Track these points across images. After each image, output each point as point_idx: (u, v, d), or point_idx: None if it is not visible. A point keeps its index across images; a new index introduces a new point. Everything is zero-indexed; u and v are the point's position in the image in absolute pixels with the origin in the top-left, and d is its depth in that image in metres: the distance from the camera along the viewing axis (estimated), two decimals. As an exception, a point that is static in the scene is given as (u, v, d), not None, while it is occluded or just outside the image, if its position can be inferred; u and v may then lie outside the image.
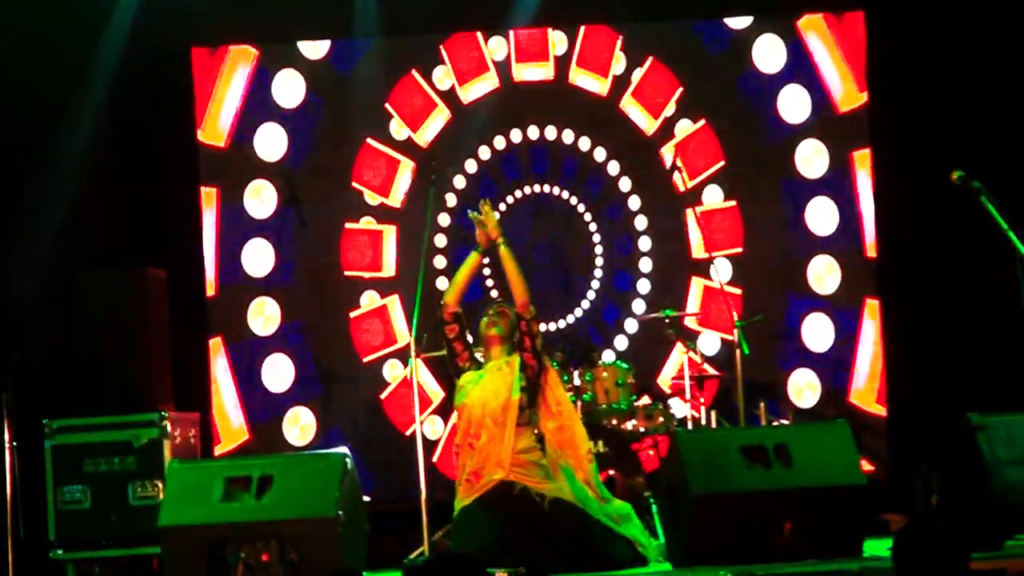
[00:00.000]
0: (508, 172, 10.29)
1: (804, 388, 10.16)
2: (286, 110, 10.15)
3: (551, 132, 10.28)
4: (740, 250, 10.21)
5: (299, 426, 10.04)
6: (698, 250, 10.13)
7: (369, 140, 10.25)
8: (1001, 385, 9.28)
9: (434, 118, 10.30)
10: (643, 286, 10.26)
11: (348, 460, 7.09)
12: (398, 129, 10.23)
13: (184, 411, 8.89)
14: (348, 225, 10.24)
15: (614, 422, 8.93)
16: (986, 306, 9.65)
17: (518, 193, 10.28)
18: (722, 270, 9.87)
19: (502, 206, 10.20)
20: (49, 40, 9.62)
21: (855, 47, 10.23)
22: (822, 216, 10.24)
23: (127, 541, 8.38)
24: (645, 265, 10.28)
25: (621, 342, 10.20)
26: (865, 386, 10.16)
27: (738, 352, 8.70)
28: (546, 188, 10.30)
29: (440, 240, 10.21)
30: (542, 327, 10.05)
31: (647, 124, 10.32)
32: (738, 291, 10.07)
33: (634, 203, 10.30)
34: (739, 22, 10.29)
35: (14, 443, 8.27)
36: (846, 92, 10.26)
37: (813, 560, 6.77)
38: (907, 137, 10.04)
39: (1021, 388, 8.99)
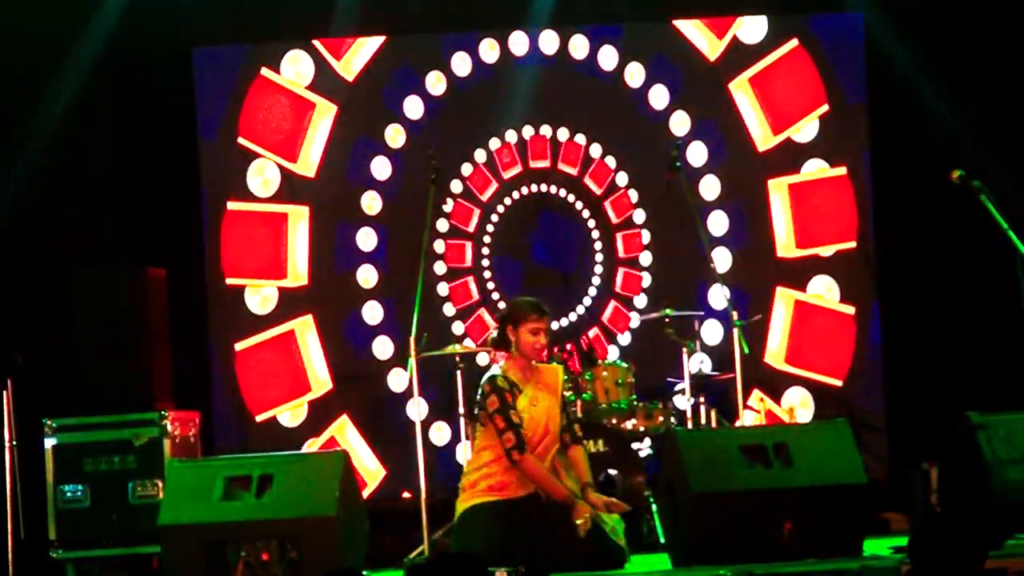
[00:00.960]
0: (508, 171, 10.28)
1: (797, 406, 10.18)
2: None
3: (550, 130, 10.27)
4: (854, 244, 10.08)
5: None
6: (786, 247, 10.04)
7: (264, 70, 9.50)
8: (1001, 384, 9.28)
9: (362, 44, 9.73)
10: (643, 285, 10.25)
11: (348, 459, 7.09)
12: (305, 57, 9.57)
13: (184, 410, 8.89)
14: (232, 206, 9.61)
15: (614, 421, 8.93)
16: (986, 305, 9.65)
17: (517, 193, 10.27)
18: (721, 270, 9.88)
19: (501, 207, 10.22)
20: (45, 36, 9.64)
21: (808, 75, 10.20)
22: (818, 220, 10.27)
23: (127, 540, 8.38)
24: (646, 264, 10.28)
25: (622, 341, 10.19)
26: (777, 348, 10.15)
27: (737, 351, 8.70)
28: (546, 187, 10.30)
29: (439, 243, 10.18)
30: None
31: (708, 46, 10.16)
32: (850, 310, 10.05)
33: (634, 201, 10.30)
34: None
35: (14, 442, 8.27)
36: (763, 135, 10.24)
37: (813, 559, 6.77)
38: (906, 136, 10.04)
39: (1021, 387, 8.99)
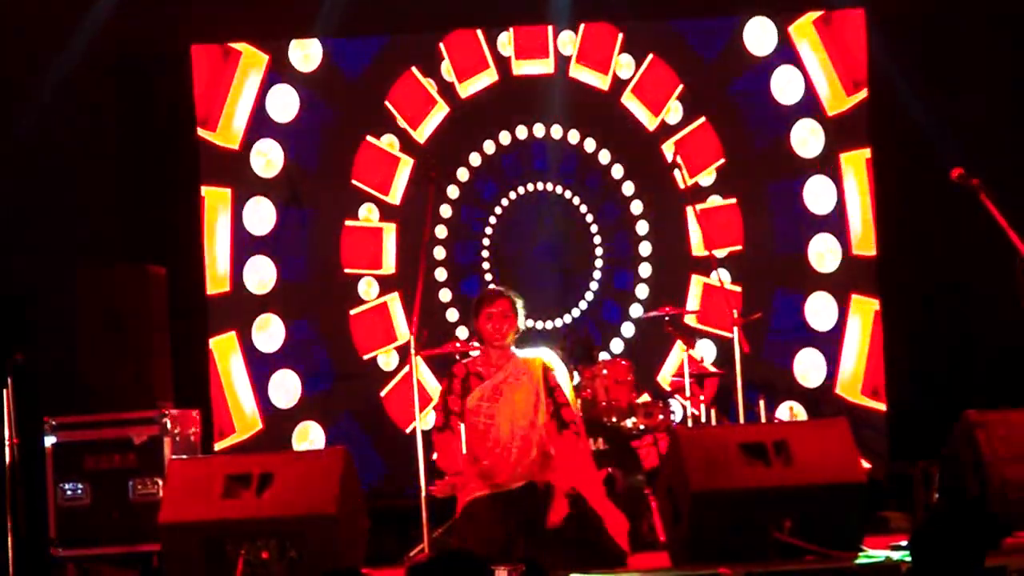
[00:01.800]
0: (508, 169, 10.29)
1: (811, 368, 10.18)
2: (285, 116, 10.16)
3: (552, 129, 10.28)
4: (740, 248, 10.21)
5: (308, 440, 10.05)
6: (698, 248, 10.13)
7: (368, 138, 10.26)
8: (1000, 382, 9.28)
9: (433, 115, 10.30)
10: (643, 284, 10.26)
11: (348, 457, 7.09)
12: (397, 128, 10.24)
13: (184, 408, 8.89)
14: (348, 223, 10.25)
15: (613, 419, 8.94)
16: (985, 303, 9.65)
17: (516, 192, 10.28)
18: (720, 268, 9.87)
19: (501, 207, 10.23)
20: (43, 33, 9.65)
21: (847, 48, 10.21)
22: (821, 195, 10.23)
23: (127, 538, 8.38)
24: (645, 263, 10.28)
25: (620, 340, 10.20)
26: (851, 379, 10.15)
27: (737, 350, 8.69)
28: (546, 186, 10.30)
29: (441, 237, 10.21)
30: (541, 324, 10.11)
31: (648, 120, 10.32)
32: (738, 288, 10.08)
33: (634, 201, 10.30)
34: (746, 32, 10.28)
35: (14, 440, 8.27)
36: (834, 96, 10.24)
37: (812, 557, 6.78)
38: (906, 135, 10.04)
39: (1020, 385, 9.00)
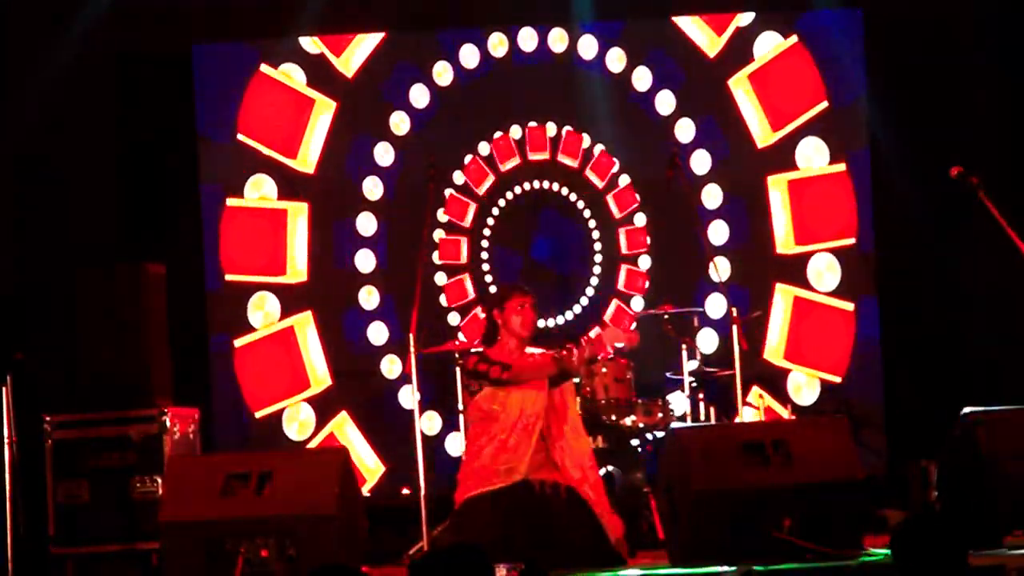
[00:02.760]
0: (508, 168, 10.27)
1: (803, 386, 10.17)
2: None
3: (549, 127, 10.27)
4: (853, 241, 10.04)
5: (298, 421, 10.04)
6: (784, 243, 10.03)
7: (264, 66, 9.54)
8: (999, 379, 9.28)
9: (361, 40, 9.71)
10: (643, 282, 10.25)
11: (347, 456, 7.10)
12: (305, 53, 9.59)
13: (183, 406, 8.89)
14: (230, 202, 9.60)
15: (613, 418, 8.93)
16: (984, 301, 9.65)
17: (516, 189, 10.27)
18: (721, 267, 9.87)
19: (500, 205, 10.22)
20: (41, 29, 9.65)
21: (807, 67, 10.18)
22: (820, 213, 10.24)
23: (127, 536, 8.38)
24: (645, 261, 10.28)
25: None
26: (777, 344, 10.14)
27: (736, 348, 8.69)
28: (545, 184, 10.29)
29: (439, 236, 10.18)
30: (540, 323, 10.09)
31: (707, 42, 10.14)
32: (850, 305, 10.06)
33: (634, 198, 10.29)
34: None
35: (14, 439, 8.27)
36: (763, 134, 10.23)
37: (812, 556, 6.78)
38: (906, 133, 10.04)
39: (1019, 382, 9.00)
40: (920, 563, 4.14)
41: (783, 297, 10.19)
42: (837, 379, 10.09)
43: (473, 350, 7.50)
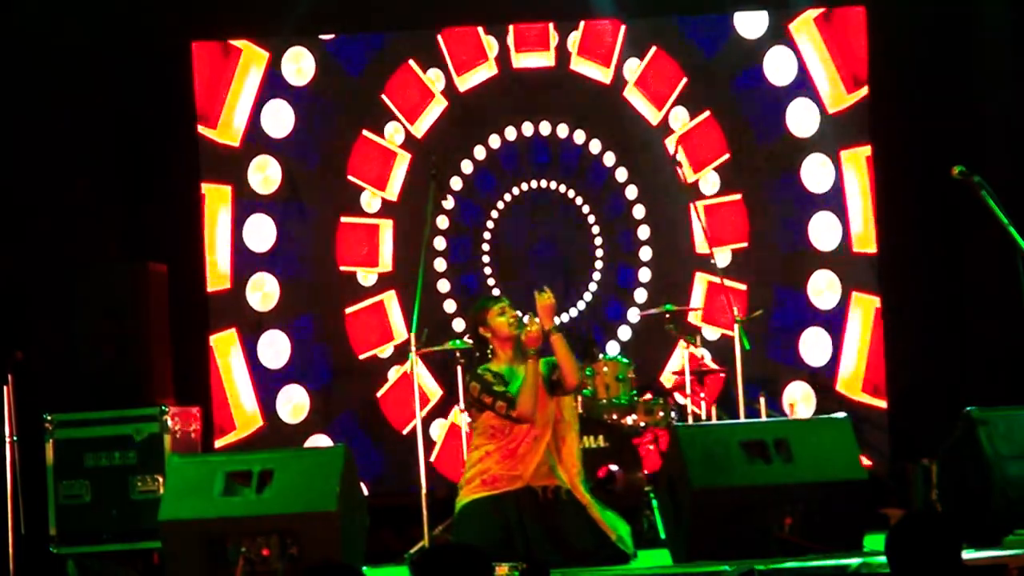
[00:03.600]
0: (508, 167, 10.28)
1: (800, 401, 10.16)
2: (296, 104, 10.13)
3: (549, 127, 10.26)
4: (745, 244, 10.20)
5: (292, 404, 10.02)
6: (702, 245, 10.10)
7: (365, 132, 10.24)
8: (1002, 379, 9.28)
9: (431, 109, 10.25)
10: (643, 281, 10.25)
11: (349, 454, 7.09)
12: (394, 123, 10.19)
13: (184, 405, 8.89)
14: (344, 219, 10.22)
15: (614, 417, 8.94)
16: (987, 300, 9.65)
17: (517, 189, 10.27)
18: (721, 264, 9.87)
19: (500, 204, 10.23)
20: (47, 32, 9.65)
21: (847, 45, 10.19)
22: (819, 174, 10.21)
23: (128, 535, 8.38)
24: (646, 259, 10.27)
25: (622, 336, 10.19)
26: (851, 377, 10.13)
27: (738, 347, 8.69)
28: (546, 183, 10.29)
29: (439, 239, 10.20)
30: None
31: (651, 114, 10.29)
32: (743, 287, 10.07)
33: (634, 197, 10.28)
34: (751, 30, 10.26)
35: (15, 438, 8.27)
36: (834, 94, 10.22)
37: (813, 555, 6.78)
38: (907, 132, 10.04)
39: (1022, 382, 8.99)
40: (914, 563, 4.14)
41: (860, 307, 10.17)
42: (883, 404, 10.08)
43: (472, 378, 7.42)
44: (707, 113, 10.28)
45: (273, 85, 10.13)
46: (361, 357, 10.12)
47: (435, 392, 9.97)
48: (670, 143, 10.15)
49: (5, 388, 8.20)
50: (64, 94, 9.67)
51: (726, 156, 10.27)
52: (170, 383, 9.03)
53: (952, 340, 9.89)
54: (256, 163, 10.11)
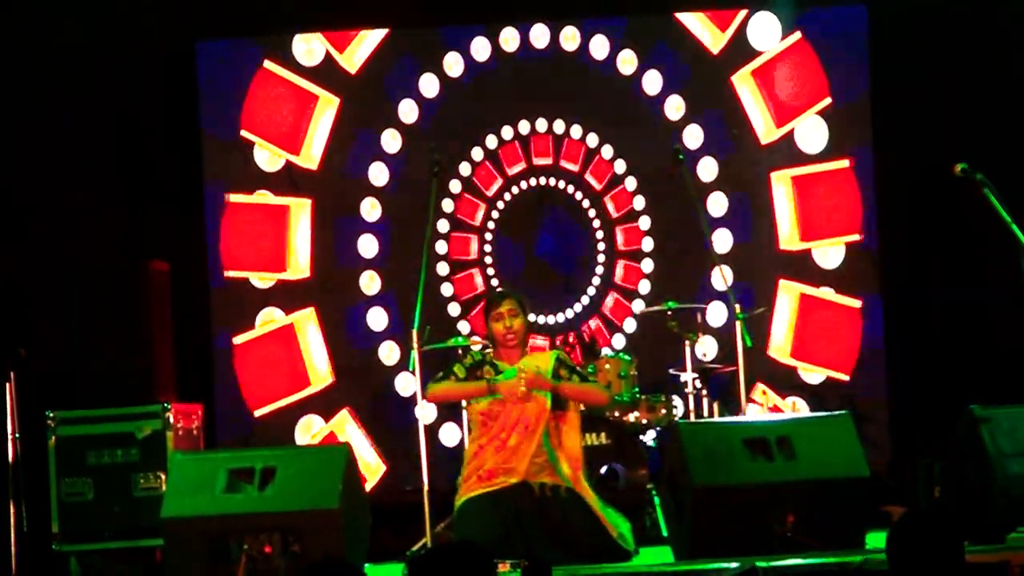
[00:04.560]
0: (510, 164, 10.27)
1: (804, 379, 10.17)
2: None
3: (555, 124, 10.25)
4: (859, 237, 10.06)
5: (311, 433, 10.03)
6: (787, 239, 10.02)
7: (267, 63, 9.53)
8: (1004, 377, 9.27)
9: (365, 36, 9.70)
10: (646, 279, 10.24)
11: (351, 452, 7.09)
12: (309, 50, 9.52)
13: (187, 403, 8.89)
14: (232, 198, 9.53)
15: (616, 414, 8.93)
16: (989, 298, 9.64)
17: (519, 186, 10.26)
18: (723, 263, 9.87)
19: (504, 199, 10.22)
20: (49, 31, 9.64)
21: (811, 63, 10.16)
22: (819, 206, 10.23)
23: (130, 533, 8.38)
24: (648, 258, 10.26)
25: (624, 335, 10.19)
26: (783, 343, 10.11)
27: (740, 344, 8.68)
28: (548, 180, 10.29)
29: (442, 232, 10.18)
30: (543, 319, 10.10)
31: (711, 39, 10.14)
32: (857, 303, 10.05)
33: (638, 195, 10.28)
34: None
35: (17, 435, 8.27)
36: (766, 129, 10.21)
37: (815, 552, 6.77)
38: (909, 130, 10.03)
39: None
40: (915, 561, 4.14)
41: (788, 294, 10.18)
42: (845, 377, 10.07)
43: (463, 352, 7.54)
44: (798, 35, 9.90)
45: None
46: (256, 415, 9.70)
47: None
48: (740, 80, 9.99)
49: (8, 385, 8.20)
50: (66, 93, 9.68)
51: (828, 100, 9.98)
52: (172, 381, 9.03)
53: (954, 338, 9.88)
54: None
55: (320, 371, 10.03)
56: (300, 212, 10.08)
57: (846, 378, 10.05)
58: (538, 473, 7.32)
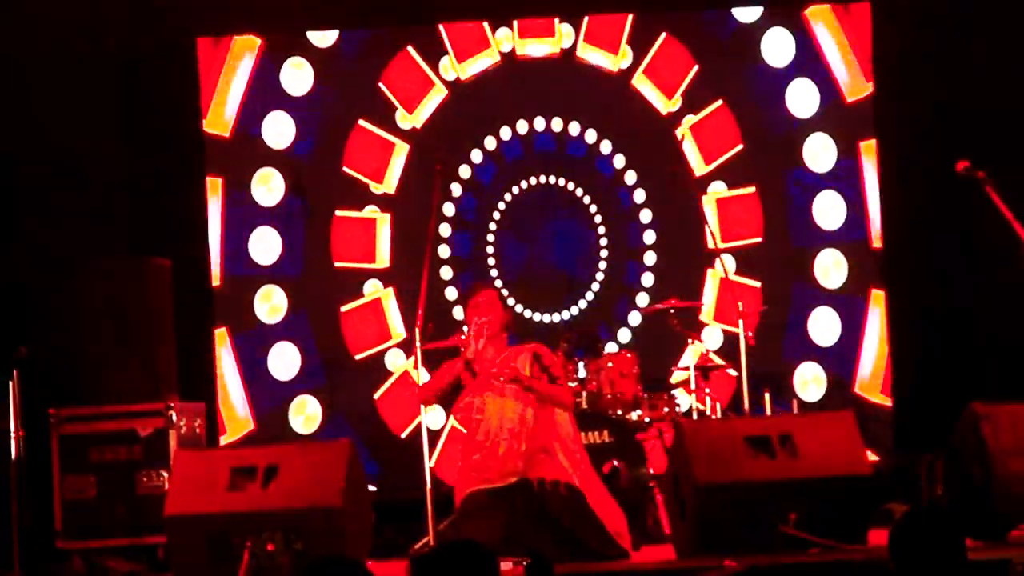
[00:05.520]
0: (513, 162, 10.26)
1: (810, 382, 10.14)
2: (293, 98, 10.12)
3: (557, 123, 10.25)
4: (759, 239, 10.15)
5: (305, 415, 10.03)
6: (715, 240, 10.05)
7: (361, 122, 10.14)
8: (1006, 374, 9.27)
9: (430, 98, 10.14)
10: (648, 277, 10.25)
11: (353, 450, 7.10)
12: (392, 111, 10.08)
13: (189, 401, 8.89)
14: (339, 213, 10.13)
15: (619, 412, 8.93)
16: (991, 296, 9.65)
17: (523, 184, 10.26)
18: (728, 261, 9.87)
19: (507, 195, 10.22)
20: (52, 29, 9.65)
21: (862, 37, 10.19)
22: (830, 210, 10.20)
23: (133, 531, 8.39)
24: (650, 256, 10.27)
25: (626, 333, 10.19)
26: (871, 377, 10.13)
27: (743, 345, 8.67)
28: (551, 178, 10.28)
29: (444, 230, 10.19)
30: (547, 318, 10.10)
31: (661, 103, 10.23)
32: (756, 283, 10.04)
33: (639, 193, 10.28)
34: (747, 14, 10.24)
35: (20, 433, 8.27)
36: (853, 82, 10.22)
37: (818, 550, 6.78)
38: (913, 127, 10.03)
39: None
40: (918, 558, 4.14)
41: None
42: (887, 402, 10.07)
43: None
44: (720, 102, 10.21)
45: (271, 93, 10.07)
46: (357, 357, 10.05)
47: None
48: (681, 128, 10.09)
49: (10, 383, 8.20)
50: (69, 89, 9.67)
51: (740, 146, 10.21)
52: (175, 378, 9.03)
53: (957, 335, 9.88)
54: (260, 175, 10.07)
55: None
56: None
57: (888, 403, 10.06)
58: (537, 467, 7.32)
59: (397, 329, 10.08)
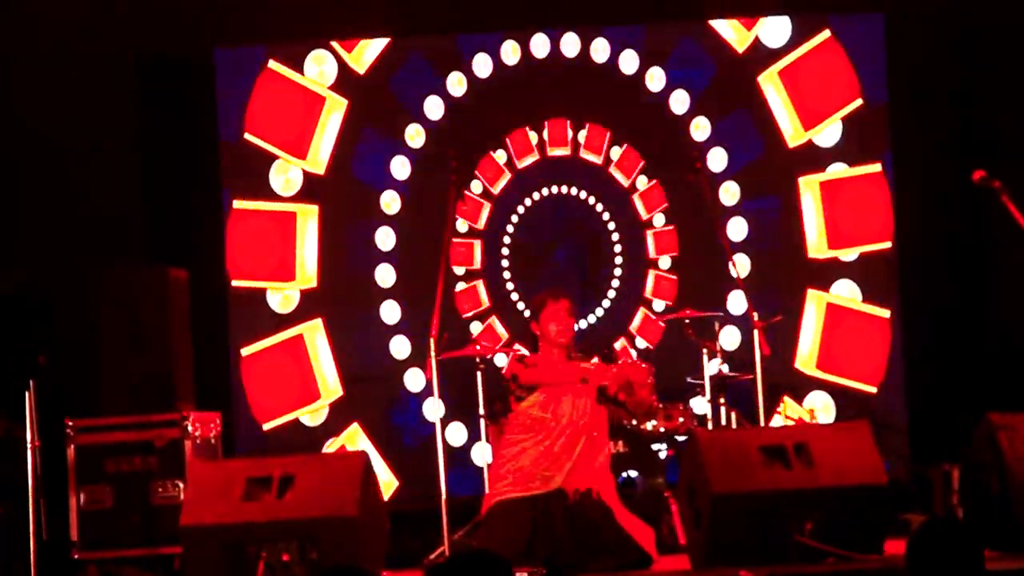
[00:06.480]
0: (528, 173, 10.25)
1: (819, 411, 10.14)
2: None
3: (569, 130, 10.25)
4: (889, 244, 10.02)
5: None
6: (816, 248, 10.00)
7: (272, 63, 9.48)
8: (1022, 384, 9.25)
9: (379, 42, 9.60)
10: (664, 287, 10.23)
11: (368, 460, 7.11)
12: (325, 58, 9.48)
13: (205, 411, 8.91)
14: (237, 204, 9.44)
15: (634, 422, 8.92)
16: (1007, 305, 9.63)
17: (537, 195, 10.26)
18: (742, 262, 9.89)
19: (525, 203, 10.22)
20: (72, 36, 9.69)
21: (873, 51, 10.15)
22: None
23: (149, 541, 8.40)
24: (665, 264, 10.25)
25: (641, 343, 10.18)
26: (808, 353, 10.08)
27: (758, 352, 8.66)
28: (565, 189, 10.28)
29: (458, 236, 10.17)
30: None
31: (736, 38, 10.07)
32: (886, 312, 10.03)
33: (655, 199, 10.26)
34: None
35: (37, 443, 8.29)
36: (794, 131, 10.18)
37: (833, 560, 6.76)
38: (926, 138, 10.02)
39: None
40: (935, 569, 4.13)
41: (815, 303, 10.14)
42: (872, 389, 10.03)
43: (480, 360, 7.52)
44: (827, 32, 9.83)
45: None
46: (265, 428, 9.66)
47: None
48: (765, 80, 9.99)
49: (27, 394, 8.21)
50: (87, 99, 9.70)
51: (859, 101, 9.92)
52: (191, 389, 9.05)
53: (972, 345, 9.86)
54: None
55: (329, 383, 9.97)
56: (308, 219, 9.99)
57: (873, 390, 10.02)
58: (576, 477, 7.33)
59: (329, 383, 9.63)
